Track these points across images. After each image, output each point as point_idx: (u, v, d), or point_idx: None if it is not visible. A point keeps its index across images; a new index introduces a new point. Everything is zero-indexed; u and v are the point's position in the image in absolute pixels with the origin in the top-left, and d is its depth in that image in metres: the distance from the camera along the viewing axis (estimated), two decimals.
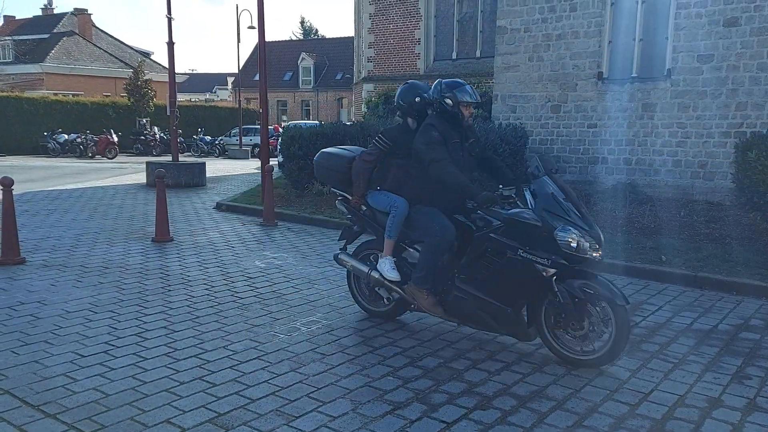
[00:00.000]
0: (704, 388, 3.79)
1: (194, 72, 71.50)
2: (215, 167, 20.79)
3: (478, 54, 20.16)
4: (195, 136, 31.37)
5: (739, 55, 9.50)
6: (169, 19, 14.44)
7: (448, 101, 4.42)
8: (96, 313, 5.04)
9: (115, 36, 46.50)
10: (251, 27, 30.43)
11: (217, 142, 30.72)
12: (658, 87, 10.27)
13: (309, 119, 46.04)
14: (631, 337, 4.66)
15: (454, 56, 20.76)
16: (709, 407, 3.54)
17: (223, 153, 30.20)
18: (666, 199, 9.88)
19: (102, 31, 45.57)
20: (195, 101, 47.90)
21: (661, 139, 10.30)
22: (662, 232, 8.03)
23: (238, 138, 31.33)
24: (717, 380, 3.91)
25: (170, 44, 14.57)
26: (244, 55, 55.41)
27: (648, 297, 5.77)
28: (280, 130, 28.43)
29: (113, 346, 4.33)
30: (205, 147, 30.40)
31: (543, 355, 4.27)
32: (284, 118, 50.44)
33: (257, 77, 11.37)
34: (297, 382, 3.78)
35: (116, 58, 42.51)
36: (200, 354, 4.21)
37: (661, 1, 10.24)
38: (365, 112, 19.46)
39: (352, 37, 27.71)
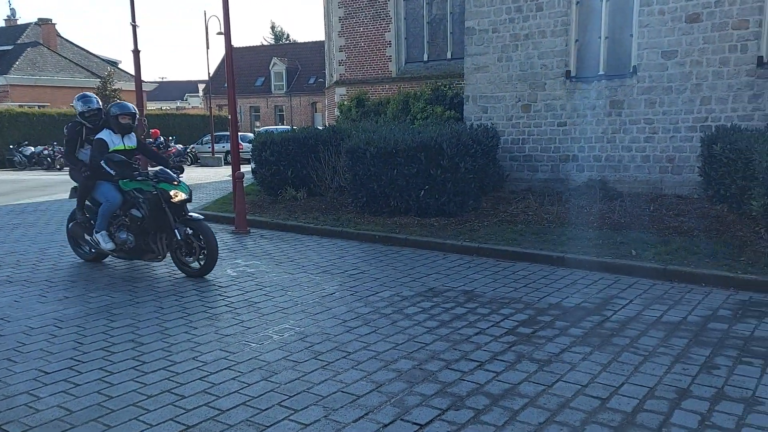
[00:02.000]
0: (674, 379, 3.83)
1: (164, 80, 70.64)
2: (188, 175, 20.45)
3: (449, 55, 20.22)
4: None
5: (702, 50, 9.68)
6: (134, 27, 14.26)
7: None
8: (61, 328, 4.91)
9: (81, 45, 45.65)
10: (220, 33, 30.17)
11: (188, 150, 30.31)
12: (625, 84, 10.41)
13: (283, 124, 45.88)
14: (602, 332, 4.71)
15: (425, 58, 20.80)
16: (678, 398, 3.58)
17: (196, 161, 29.78)
18: (636, 194, 10.02)
19: (67, 40, 44.66)
20: (166, 109, 47.27)
21: (629, 135, 10.44)
22: (632, 226, 8.12)
23: (210, 145, 31.02)
24: (686, 371, 3.95)
25: (136, 52, 14.38)
26: (215, 62, 55.05)
27: (619, 291, 5.82)
28: (160, 135, 27.75)
29: (78, 361, 4.22)
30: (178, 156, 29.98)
31: (516, 353, 4.28)
32: (257, 123, 50.18)
33: None
34: (268, 391, 3.73)
35: (82, 67, 41.71)
36: (169, 366, 4.13)
37: None
38: (338, 116, 19.39)
39: (324, 41, 27.62)
